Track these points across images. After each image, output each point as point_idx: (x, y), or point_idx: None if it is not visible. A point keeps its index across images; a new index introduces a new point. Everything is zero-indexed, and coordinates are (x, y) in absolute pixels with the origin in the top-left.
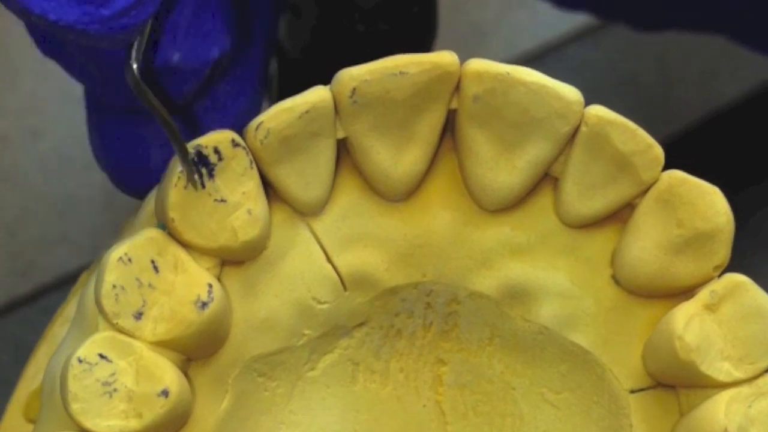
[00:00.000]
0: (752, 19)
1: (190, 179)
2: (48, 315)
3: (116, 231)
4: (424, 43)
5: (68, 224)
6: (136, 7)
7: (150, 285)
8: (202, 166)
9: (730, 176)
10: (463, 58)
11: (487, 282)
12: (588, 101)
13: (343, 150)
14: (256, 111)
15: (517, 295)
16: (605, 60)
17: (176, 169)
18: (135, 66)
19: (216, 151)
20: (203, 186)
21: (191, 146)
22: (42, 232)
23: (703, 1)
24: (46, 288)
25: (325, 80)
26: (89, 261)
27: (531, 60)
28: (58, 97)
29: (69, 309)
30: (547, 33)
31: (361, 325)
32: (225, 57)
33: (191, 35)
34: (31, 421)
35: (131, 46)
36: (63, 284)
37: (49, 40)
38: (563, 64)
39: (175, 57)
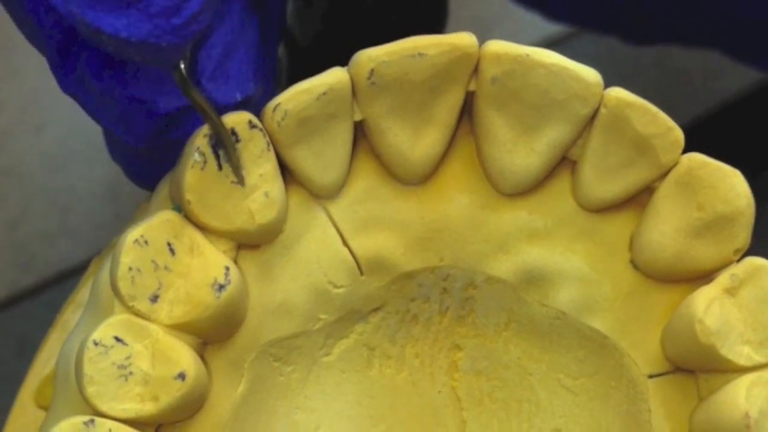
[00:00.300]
0: (744, 34)
1: (236, 173)
2: (50, 309)
3: (118, 224)
4: (434, 28)
5: (70, 218)
6: (202, 12)
7: (166, 267)
8: (219, 148)
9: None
10: None
11: (504, 266)
12: None
13: (360, 132)
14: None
15: (534, 280)
16: (607, 55)
17: (193, 151)
18: (183, 66)
19: (233, 132)
20: (219, 168)
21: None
22: (44, 226)
23: (694, 17)
24: (48, 282)
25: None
26: (91, 254)
27: None
28: (60, 93)
29: (81, 295)
30: (550, 28)
31: (376, 309)
32: (249, 99)
33: (216, 76)
34: (43, 407)
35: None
36: (65, 278)
37: (71, 76)
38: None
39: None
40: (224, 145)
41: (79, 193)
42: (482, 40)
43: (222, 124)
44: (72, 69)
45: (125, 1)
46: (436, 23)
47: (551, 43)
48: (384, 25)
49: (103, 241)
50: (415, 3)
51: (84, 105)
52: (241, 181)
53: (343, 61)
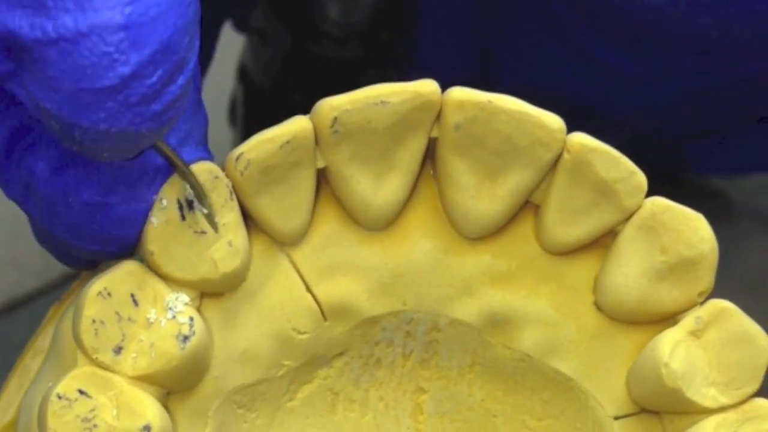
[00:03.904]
0: (631, 122)
1: (210, 220)
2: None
3: None
4: (390, 69)
5: (17, 247)
6: (181, 97)
7: (129, 319)
8: (183, 200)
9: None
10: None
11: (468, 310)
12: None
13: (323, 179)
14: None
15: (499, 323)
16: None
17: (156, 203)
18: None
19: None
20: (183, 218)
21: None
22: None
23: (576, 108)
24: None
25: (294, 107)
26: (39, 285)
27: None
28: None
29: (40, 341)
30: None
31: (340, 354)
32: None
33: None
34: None
35: None
36: (12, 309)
37: (12, 184)
38: None
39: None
40: (197, 195)
41: (25, 223)
42: None
43: (193, 175)
44: (16, 179)
45: (104, 93)
46: (395, 59)
47: None
48: (344, 61)
49: (51, 271)
50: (374, 40)
51: (30, 213)
52: (215, 227)
53: (302, 99)
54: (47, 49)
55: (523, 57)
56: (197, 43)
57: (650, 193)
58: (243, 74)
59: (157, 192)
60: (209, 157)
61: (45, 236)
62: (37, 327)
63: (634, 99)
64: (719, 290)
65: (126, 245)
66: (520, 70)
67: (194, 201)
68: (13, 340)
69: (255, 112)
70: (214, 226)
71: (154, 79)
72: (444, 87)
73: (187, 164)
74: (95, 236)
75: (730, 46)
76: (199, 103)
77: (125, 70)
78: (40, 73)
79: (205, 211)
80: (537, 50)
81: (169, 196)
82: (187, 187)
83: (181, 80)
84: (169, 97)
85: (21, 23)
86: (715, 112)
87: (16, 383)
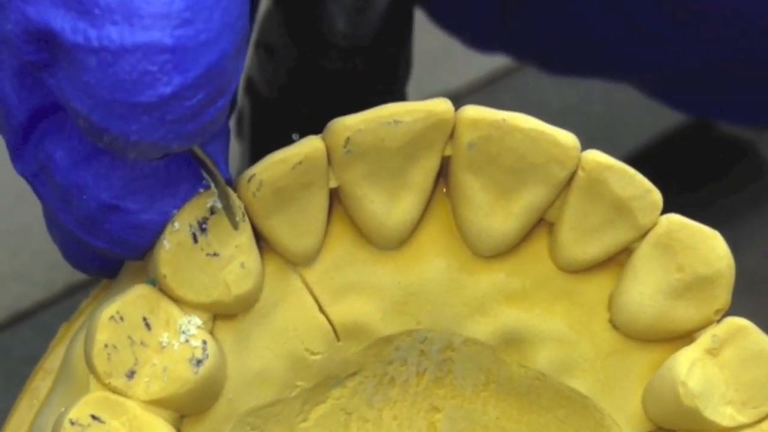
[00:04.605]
0: (657, 75)
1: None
2: (2, 354)
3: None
4: (398, 82)
5: (22, 260)
6: (217, 120)
7: (142, 343)
8: (196, 223)
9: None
10: (415, 85)
11: (482, 328)
12: None
13: (336, 199)
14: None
15: (513, 341)
16: (553, 86)
17: (168, 226)
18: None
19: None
20: (195, 241)
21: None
22: None
23: (611, 56)
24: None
25: (300, 119)
26: (43, 297)
27: (480, 87)
28: None
29: (49, 362)
30: (496, 60)
31: (353, 374)
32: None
33: None
34: None
35: None
36: (17, 321)
37: (29, 165)
38: (512, 91)
39: None
40: (226, 206)
41: (31, 235)
42: (427, 74)
43: (228, 189)
44: (31, 158)
45: (140, 108)
46: (401, 71)
47: (497, 76)
48: (350, 73)
49: (56, 283)
50: (381, 52)
51: (41, 196)
52: (235, 225)
53: (309, 112)
54: (87, 56)
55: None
56: (242, 67)
57: (679, 141)
58: (250, 86)
59: (177, 207)
60: (230, 176)
61: (55, 223)
62: (42, 339)
63: (659, 58)
64: None
65: (134, 250)
66: (543, 12)
67: (206, 223)
68: (17, 352)
69: (262, 124)
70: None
71: (194, 101)
72: (460, 23)
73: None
74: (105, 236)
75: (762, 19)
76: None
77: (166, 90)
78: (76, 75)
79: (233, 222)
80: None
81: (181, 219)
82: (204, 208)
83: (221, 103)
84: (207, 118)
85: (63, 24)
86: (740, 78)
87: (27, 404)
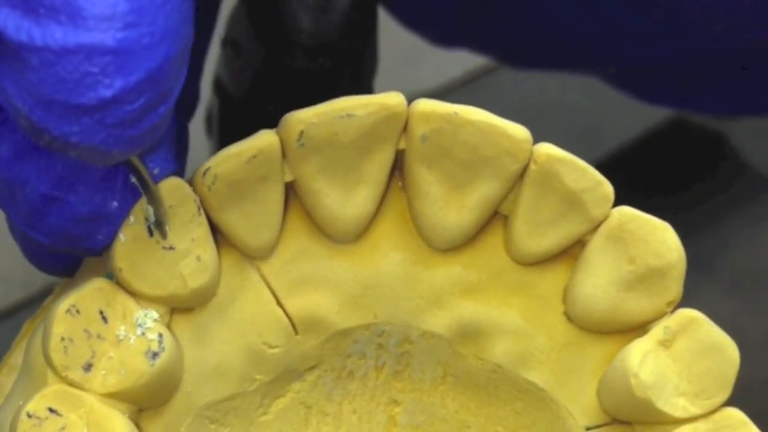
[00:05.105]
0: (625, 65)
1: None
2: None
3: None
4: (364, 78)
5: (1, 260)
6: (160, 127)
7: (99, 336)
8: (150, 217)
9: (656, 199)
10: (394, 85)
11: (439, 321)
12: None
13: (291, 192)
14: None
15: (470, 334)
16: (535, 84)
17: (125, 219)
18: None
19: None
20: (151, 234)
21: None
22: None
23: (578, 49)
24: None
25: (268, 117)
26: (21, 297)
27: (461, 85)
28: None
29: (14, 357)
30: (474, 59)
31: (312, 367)
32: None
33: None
34: None
35: None
36: None
37: None
38: (493, 89)
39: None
40: (157, 219)
41: (7, 235)
42: (409, 72)
43: (162, 201)
44: None
45: (81, 110)
46: (367, 68)
47: (478, 74)
48: (316, 71)
49: (33, 283)
50: (346, 50)
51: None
52: (164, 233)
53: (276, 110)
54: (30, 54)
55: None
56: (185, 72)
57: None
58: (218, 85)
59: (117, 200)
60: (175, 165)
61: (14, 226)
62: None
63: (628, 50)
64: (707, 290)
65: (78, 245)
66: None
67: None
68: None
69: (230, 122)
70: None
71: (135, 106)
72: (424, 20)
73: (157, 183)
74: (48, 229)
75: (734, 12)
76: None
77: (107, 93)
78: (18, 73)
79: (160, 233)
80: None
81: (136, 212)
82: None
83: (162, 109)
84: (148, 125)
85: (7, 22)
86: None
87: None
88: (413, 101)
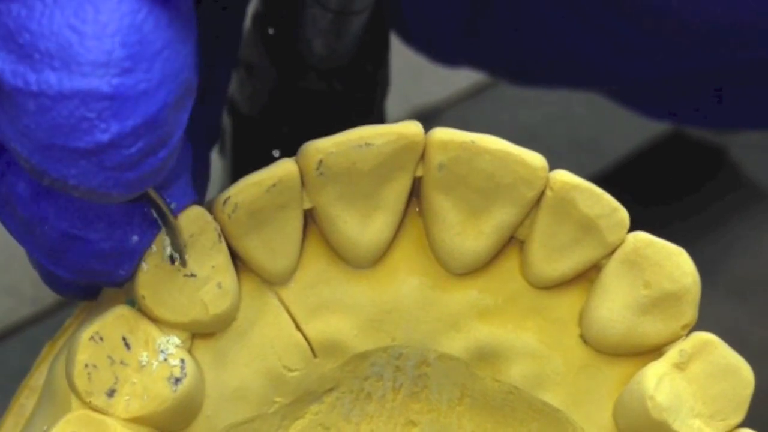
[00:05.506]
0: (626, 82)
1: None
2: None
3: None
4: (377, 100)
5: (10, 276)
6: (162, 169)
7: (122, 362)
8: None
9: (657, 210)
10: (398, 98)
11: (456, 344)
12: (523, 138)
13: (310, 219)
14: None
15: (487, 356)
16: (537, 96)
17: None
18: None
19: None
20: (172, 262)
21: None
22: None
23: (579, 67)
24: None
25: (282, 139)
26: (32, 312)
27: (466, 98)
28: None
29: (34, 379)
30: (478, 74)
31: (331, 390)
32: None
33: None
34: None
35: None
36: (5, 336)
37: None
38: (497, 102)
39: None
40: (177, 250)
41: (20, 250)
42: (414, 85)
43: (180, 233)
44: None
45: (78, 153)
46: (379, 90)
47: (483, 87)
48: (329, 94)
49: (45, 298)
50: (358, 72)
51: (8, 227)
52: (183, 263)
53: (290, 131)
54: (26, 99)
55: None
56: (186, 118)
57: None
58: (231, 106)
59: (137, 234)
60: (194, 195)
61: (31, 255)
62: (30, 354)
63: (630, 68)
64: (707, 298)
65: (100, 278)
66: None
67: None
68: (7, 367)
69: (243, 143)
70: (183, 261)
71: (133, 150)
72: (427, 39)
73: (176, 215)
74: (71, 265)
75: (738, 32)
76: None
77: (104, 137)
78: (16, 118)
79: (181, 263)
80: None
81: (158, 242)
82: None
83: (162, 153)
84: (147, 169)
85: (3, 67)
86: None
87: (12, 422)
88: (430, 130)
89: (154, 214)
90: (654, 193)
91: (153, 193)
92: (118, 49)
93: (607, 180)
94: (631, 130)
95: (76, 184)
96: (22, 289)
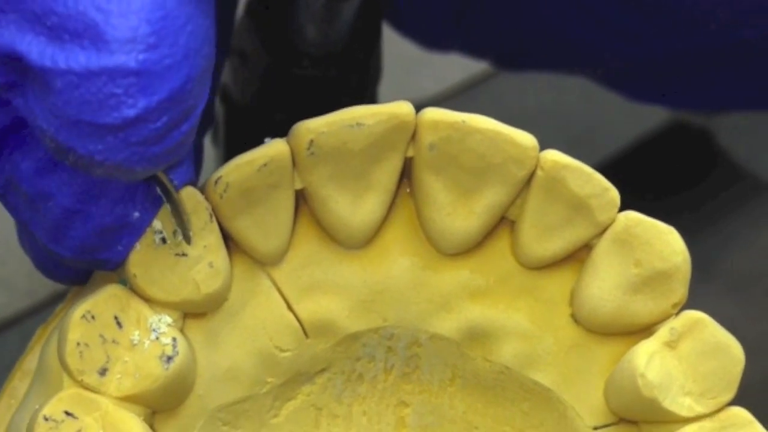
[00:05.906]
0: (616, 66)
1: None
2: None
3: None
4: (369, 86)
5: (5, 268)
6: (184, 143)
7: (114, 341)
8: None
9: (654, 202)
10: (393, 91)
11: (447, 324)
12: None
13: (301, 199)
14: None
15: (478, 336)
16: (533, 88)
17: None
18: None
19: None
20: (164, 241)
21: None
22: None
23: (565, 47)
24: None
25: (275, 126)
26: (27, 305)
27: (460, 91)
28: None
29: (27, 362)
30: (475, 65)
31: (323, 370)
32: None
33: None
34: None
35: None
36: (2, 329)
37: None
38: (492, 94)
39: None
40: (182, 230)
41: (13, 244)
42: (408, 79)
43: (186, 212)
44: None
45: (105, 129)
46: (371, 77)
47: (477, 81)
48: (322, 80)
49: (38, 291)
50: (351, 59)
51: (11, 208)
52: (188, 240)
53: (282, 118)
54: (54, 78)
55: None
56: (207, 91)
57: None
58: (224, 94)
59: (138, 210)
60: (194, 176)
61: (25, 232)
62: (25, 346)
63: (618, 50)
64: (706, 292)
65: (97, 256)
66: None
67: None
68: (1, 359)
69: (236, 130)
70: (188, 239)
71: (159, 124)
72: (416, 24)
73: (178, 191)
74: (71, 242)
75: (718, 13)
76: None
77: (130, 112)
78: (43, 97)
79: (185, 240)
80: None
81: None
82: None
83: (185, 127)
84: (171, 142)
85: (31, 48)
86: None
87: (5, 404)
88: (421, 110)
89: (159, 192)
90: (650, 186)
91: (161, 173)
92: (143, 25)
93: (602, 173)
94: (627, 122)
95: (102, 159)
96: (17, 282)
